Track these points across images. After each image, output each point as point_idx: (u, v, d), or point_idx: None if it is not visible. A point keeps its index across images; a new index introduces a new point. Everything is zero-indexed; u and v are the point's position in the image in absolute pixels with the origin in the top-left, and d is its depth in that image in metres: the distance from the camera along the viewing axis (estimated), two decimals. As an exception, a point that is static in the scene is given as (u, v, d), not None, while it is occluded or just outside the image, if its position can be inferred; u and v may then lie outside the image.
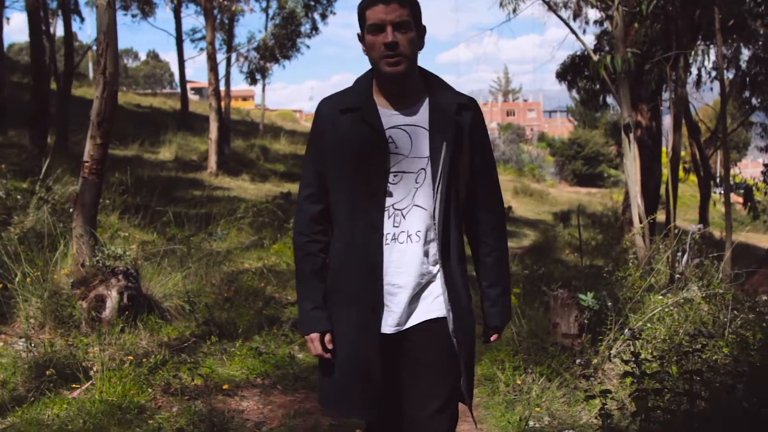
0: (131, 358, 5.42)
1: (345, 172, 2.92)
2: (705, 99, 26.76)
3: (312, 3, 29.07)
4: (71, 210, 7.86)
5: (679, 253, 9.48)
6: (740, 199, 22.08)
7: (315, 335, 2.96)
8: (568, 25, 11.47)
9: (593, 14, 20.77)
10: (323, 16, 29.64)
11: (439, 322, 2.95)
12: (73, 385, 5.09)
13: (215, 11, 24.79)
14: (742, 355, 5.24)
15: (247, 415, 5.23)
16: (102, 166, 6.83)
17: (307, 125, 56.35)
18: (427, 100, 2.98)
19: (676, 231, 10.63)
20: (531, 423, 5.29)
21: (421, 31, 2.98)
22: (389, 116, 2.94)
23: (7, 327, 6.30)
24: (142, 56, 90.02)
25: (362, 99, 2.97)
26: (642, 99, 17.32)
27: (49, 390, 5.00)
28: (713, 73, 20.20)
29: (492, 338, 3.20)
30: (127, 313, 6.33)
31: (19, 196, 9.40)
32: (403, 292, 2.92)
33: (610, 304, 6.47)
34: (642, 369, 4.21)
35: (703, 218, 21.82)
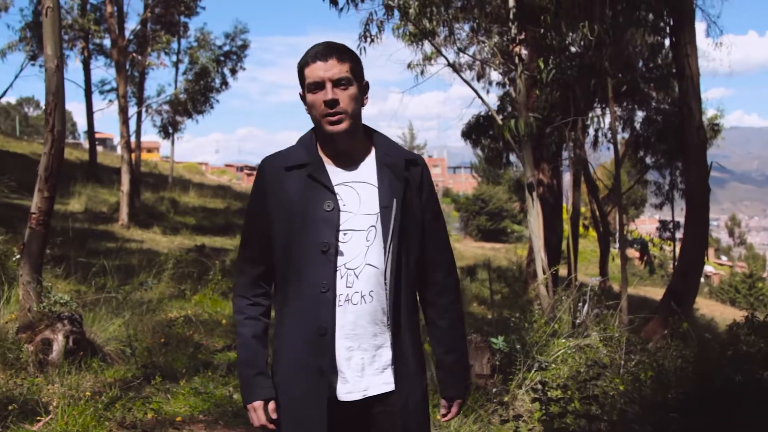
0: (88, 394, 5.94)
1: (294, 230, 2.86)
2: (603, 158, 28.27)
3: (222, 58, 29.81)
4: (14, 259, 8.31)
5: (580, 304, 10.39)
6: (638, 254, 23.45)
7: (258, 403, 2.88)
8: (474, 89, 12.46)
9: (496, 76, 21.98)
10: (233, 71, 30.44)
11: (393, 395, 2.90)
12: (39, 418, 5.58)
13: (127, 65, 25.18)
14: (635, 390, 6.05)
15: (195, 446, 5.80)
16: (48, 218, 7.34)
17: (213, 178, 56.52)
18: (373, 157, 2.98)
19: (578, 283, 11.56)
20: (451, 451, 5.97)
21: (364, 86, 2.97)
22: (336, 173, 2.91)
23: (-46, 370, 6.70)
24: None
25: (309, 156, 2.93)
26: (544, 159, 18.49)
27: (13, 424, 5.47)
28: (609, 135, 21.58)
29: (452, 411, 3.13)
30: (81, 353, 6.83)
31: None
32: (356, 355, 2.85)
33: (519, 347, 7.26)
34: (548, 396, 4.97)
35: (603, 272, 23.06)
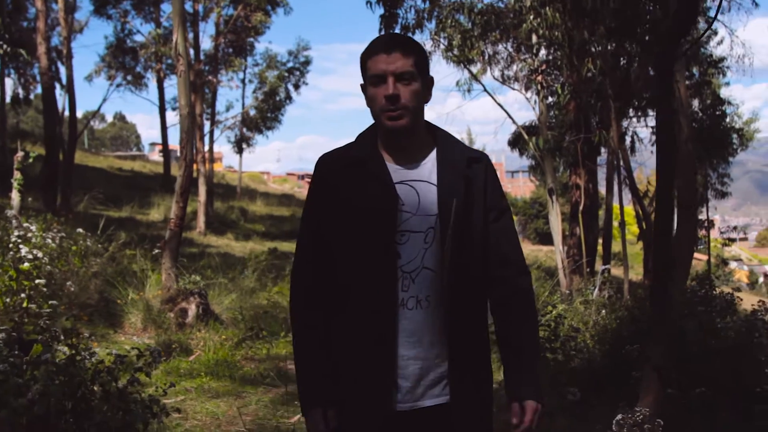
0: (224, 336, 9.15)
1: (351, 231, 2.78)
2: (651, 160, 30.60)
3: (286, 74, 33.18)
4: (154, 252, 11.63)
5: (591, 287, 13.36)
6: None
7: (318, 410, 2.80)
8: (505, 110, 15.48)
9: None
10: (296, 86, 33.85)
11: (449, 407, 2.80)
12: (194, 351, 8.78)
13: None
14: (599, 334, 8.99)
15: (294, 372, 8.98)
16: (182, 222, 10.56)
17: (275, 187, 60.00)
18: (434, 155, 2.87)
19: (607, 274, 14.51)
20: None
21: (428, 81, 2.85)
22: (395, 171, 2.81)
23: (120, 329, 9.91)
24: (109, 118, 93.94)
25: (368, 153, 2.85)
26: (579, 164, 21.18)
27: (175, 357, 8.64)
28: (653, 138, 24.14)
29: (527, 417, 2.80)
30: (207, 319, 10.03)
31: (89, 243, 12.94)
32: (413, 364, 2.76)
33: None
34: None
35: (647, 269, 25.57)
